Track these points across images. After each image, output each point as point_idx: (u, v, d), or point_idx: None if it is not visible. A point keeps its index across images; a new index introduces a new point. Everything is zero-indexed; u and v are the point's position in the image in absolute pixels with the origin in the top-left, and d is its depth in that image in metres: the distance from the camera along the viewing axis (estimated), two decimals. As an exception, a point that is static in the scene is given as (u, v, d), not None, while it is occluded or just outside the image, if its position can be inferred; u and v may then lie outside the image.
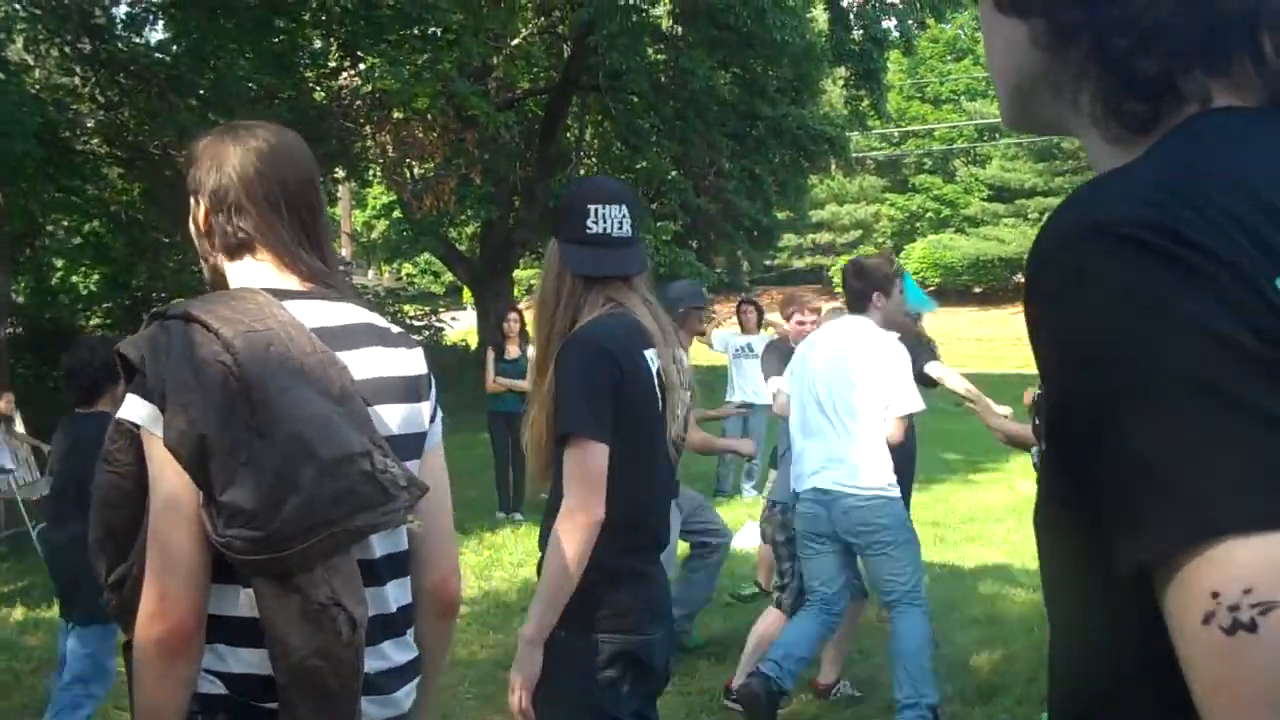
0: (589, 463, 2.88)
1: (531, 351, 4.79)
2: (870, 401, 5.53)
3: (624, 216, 3.09)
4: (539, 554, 3.04)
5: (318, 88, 17.38)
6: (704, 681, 6.52)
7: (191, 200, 2.24)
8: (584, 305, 3.07)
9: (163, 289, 17.57)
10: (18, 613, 8.42)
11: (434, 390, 2.34)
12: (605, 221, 3.07)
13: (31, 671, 6.97)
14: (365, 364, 2.17)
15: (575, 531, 2.86)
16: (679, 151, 21.62)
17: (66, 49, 14.01)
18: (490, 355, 11.86)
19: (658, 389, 3.05)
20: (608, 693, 2.96)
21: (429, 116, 19.90)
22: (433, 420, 2.33)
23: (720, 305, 27.84)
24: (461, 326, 30.26)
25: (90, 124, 15.10)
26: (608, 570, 2.93)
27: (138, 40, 14.80)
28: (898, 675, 5.52)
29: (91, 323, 19.15)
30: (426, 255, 29.06)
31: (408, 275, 38.58)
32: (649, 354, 3.04)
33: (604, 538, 2.88)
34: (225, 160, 2.19)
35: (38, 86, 13.75)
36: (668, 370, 3.07)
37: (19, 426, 11.91)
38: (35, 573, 9.41)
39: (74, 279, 19.34)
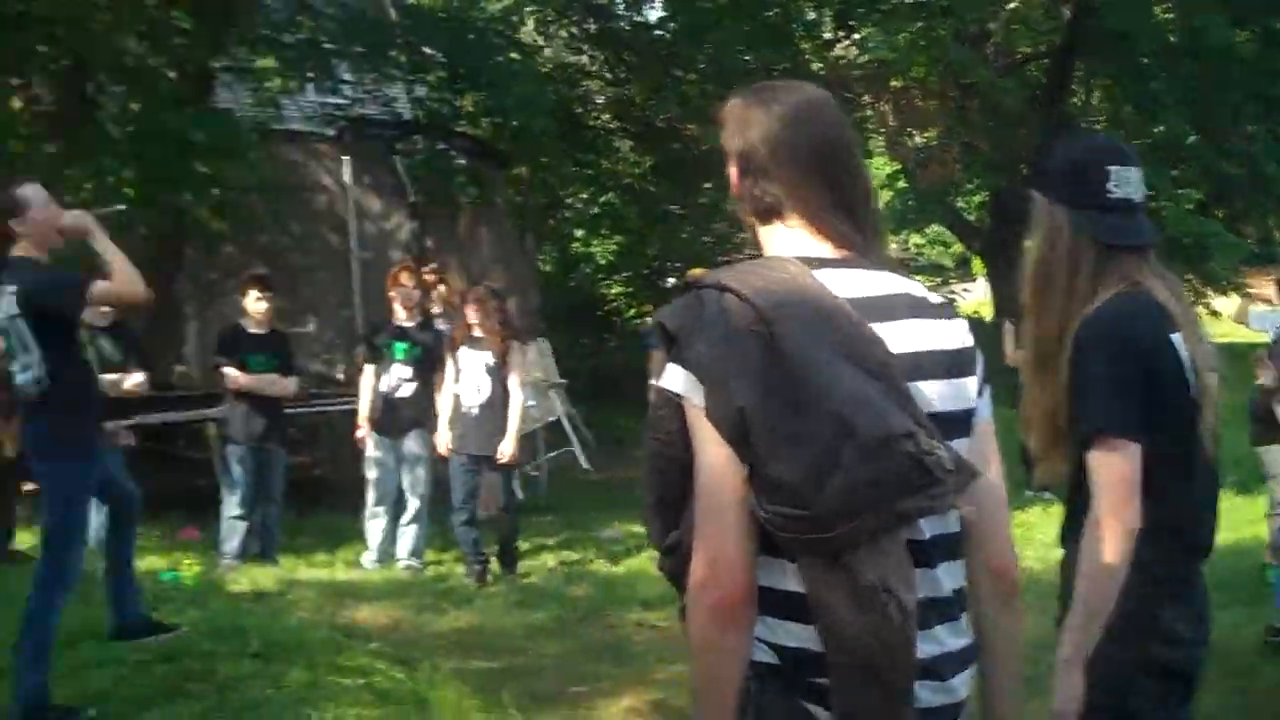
0: (1121, 465, 2.59)
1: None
2: None
3: (1140, 180, 2.81)
4: (1060, 549, 2.82)
5: (814, 59, 17.63)
6: (1266, 680, 5.97)
7: (728, 165, 2.21)
8: (1100, 281, 2.75)
9: (676, 259, 18.43)
10: (562, 566, 9.15)
11: (981, 363, 2.19)
12: (1128, 185, 2.76)
13: (579, 620, 7.43)
14: (903, 337, 2.03)
15: (1109, 542, 2.57)
16: (1197, 115, 20.26)
17: (573, 29, 15.04)
18: (1008, 329, 11.65)
19: (1189, 376, 2.72)
20: (1159, 710, 2.71)
21: (928, 85, 19.70)
22: (980, 394, 2.18)
23: (1253, 279, 25.81)
24: (972, 298, 29.69)
25: (600, 100, 16.07)
26: (1153, 579, 2.64)
27: (639, 18, 15.68)
28: None
29: (612, 291, 20.41)
30: (935, 225, 28.84)
31: (915, 246, 38.22)
32: (1175, 338, 2.71)
33: (1146, 544, 2.58)
34: (750, 123, 2.13)
35: (548, 66, 14.79)
36: (1196, 354, 2.74)
37: (546, 356, 12.89)
38: (576, 526, 10.18)
39: (592, 248, 20.62)
